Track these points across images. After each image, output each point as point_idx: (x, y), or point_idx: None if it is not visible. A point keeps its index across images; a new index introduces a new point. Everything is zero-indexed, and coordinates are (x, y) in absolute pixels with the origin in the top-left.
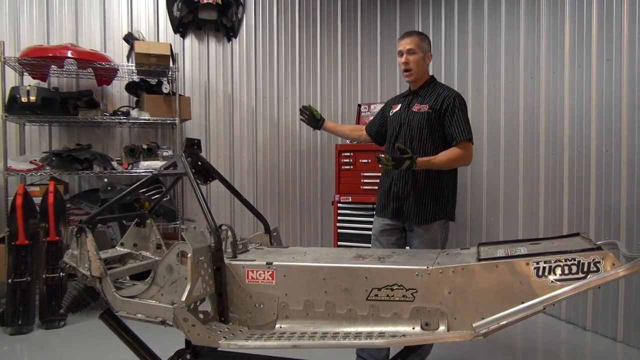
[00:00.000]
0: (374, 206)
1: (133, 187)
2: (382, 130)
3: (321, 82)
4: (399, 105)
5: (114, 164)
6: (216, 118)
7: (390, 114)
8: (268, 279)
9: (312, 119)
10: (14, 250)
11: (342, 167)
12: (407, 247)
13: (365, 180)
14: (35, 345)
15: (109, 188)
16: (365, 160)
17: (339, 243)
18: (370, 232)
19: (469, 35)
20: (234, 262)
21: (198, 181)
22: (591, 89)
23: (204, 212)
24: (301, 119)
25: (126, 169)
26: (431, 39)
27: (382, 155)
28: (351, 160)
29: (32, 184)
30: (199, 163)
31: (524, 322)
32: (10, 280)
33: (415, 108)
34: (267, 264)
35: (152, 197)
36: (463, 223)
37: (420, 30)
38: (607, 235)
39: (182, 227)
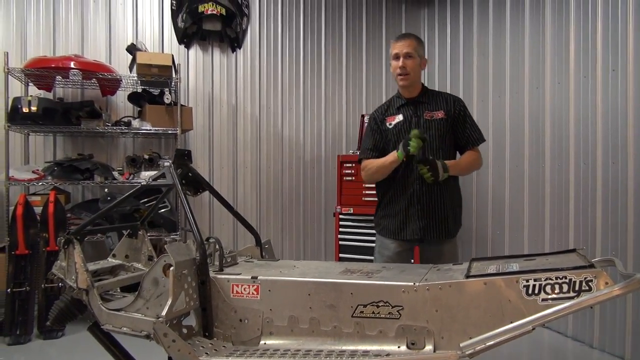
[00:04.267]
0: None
1: (122, 198)
2: (383, 151)
3: (326, 92)
4: (400, 116)
5: (115, 174)
6: (220, 128)
7: (389, 126)
8: (253, 293)
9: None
10: (14, 259)
11: (344, 178)
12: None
13: (367, 192)
14: (32, 355)
15: (108, 198)
16: None
17: (341, 255)
18: (372, 245)
19: (474, 45)
20: (219, 276)
21: (188, 192)
22: (597, 100)
23: (190, 224)
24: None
25: (127, 179)
26: (436, 49)
27: (425, 173)
28: (353, 171)
29: (34, 194)
30: (190, 174)
31: (529, 338)
32: (9, 290)
33: (428, 115)
34: (252, 278)
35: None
36: (469, 237)
37: (425, 40)
38: (614, 250)
39: (166, 239)
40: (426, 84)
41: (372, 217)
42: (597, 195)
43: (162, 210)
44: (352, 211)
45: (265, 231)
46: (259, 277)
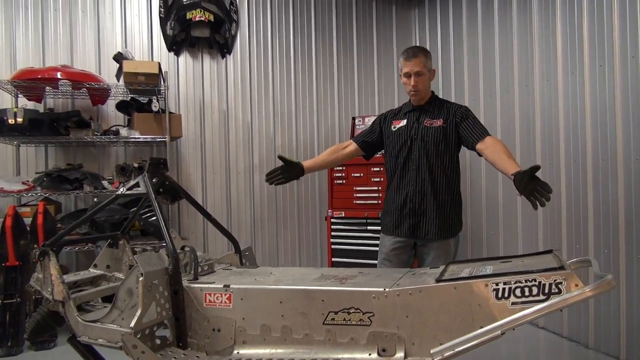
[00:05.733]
0: (367, 221)
1: (96, 208)
2: (371, 140)
3: (317, 95)
4: (404, 121)
5: (105, 183)
6: (212, 134)
7: (393, 129)
8: (225, 302)
9: (290, 169)
10: (4, 271)
11: (335, 181)
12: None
13: (358, 195)
14: None
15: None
16: (358, 175)
17: (333, 259)
18: (364, 248)
19: (464, 45)
20: (192, 285)
21: (164, 201)
22: (585, 95)
23: (163, 233)
24: (278, 181)
25: (117, 188)
26: (428, 50)
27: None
28: (343, 174)
29: (24, 205)
30: (166, 182)
31: (525, 338)
32: (0, 302)
33: (427, 123)
34: (224, 286)
35: (143, 217)
36: (464, 237)
37: (417, 41)
38: (606, 246)
39: (137, 250)
40: None
41: (362, 220)
42: (587, 193)
43: (153, 219)
44: (343, 215)
45: (260, 236)
46: (231, 286)
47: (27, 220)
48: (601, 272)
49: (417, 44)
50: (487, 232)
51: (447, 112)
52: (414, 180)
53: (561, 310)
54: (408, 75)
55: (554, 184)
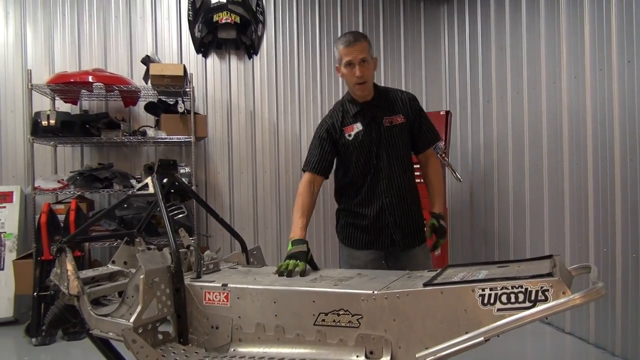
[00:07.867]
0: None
1: (106, 210)
2: (328, 164)
3: (343, 95)
4: (358, 124)
5: (133, 182)
6: (238, 134)
7: (349, 138)
8: (223, 300)
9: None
10: (40, 265)
11: None
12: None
13: None
14: (57, 355)
15: (125, 205)
16: None
17: None
18: None
19: (492, 41)
20: (194, 283)
21: (176, 201)
22: (613, 92)
23: (167, 233)
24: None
25: None
26: (456, 47)
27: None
28: None
29: (59, 202)
30: (176, 183)
31: (550, 344)
32: (35, 294)
33: (387, 122)
34: (223, 285)
35: (169, 215)
36: (491, 239)
37: (445, 38)
38: (635, 252)
39: (139, 248)
40: (447, 82)
41: None
42: (615, 194)
43: (179, 216)
44: None
45: (285, 235)
46: (228, 285)
47: (62, 217)
48: (596, 280)
49: (446, 43)
50: (514, 234)
51: (402, 105)
52: (387, 192)
53: (547, 318)
54: (351, 64)
55: (581, 183)
